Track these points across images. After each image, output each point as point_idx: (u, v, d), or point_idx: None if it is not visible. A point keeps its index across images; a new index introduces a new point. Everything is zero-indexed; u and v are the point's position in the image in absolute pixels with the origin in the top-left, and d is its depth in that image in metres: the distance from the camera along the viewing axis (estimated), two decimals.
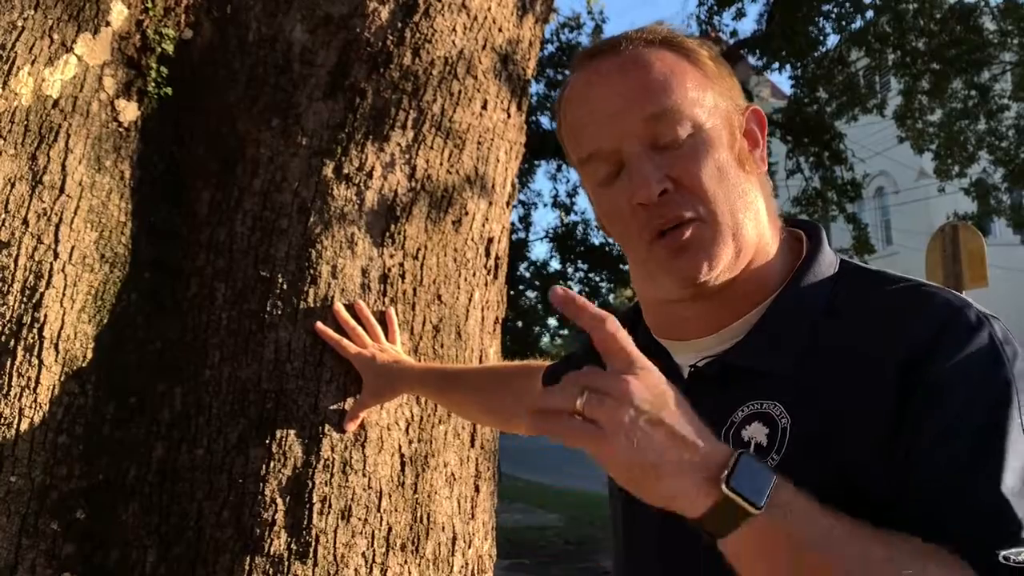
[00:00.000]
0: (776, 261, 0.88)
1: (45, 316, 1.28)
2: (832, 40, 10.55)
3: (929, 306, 0.78)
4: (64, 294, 1.30)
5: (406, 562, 1.45)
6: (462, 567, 1.56)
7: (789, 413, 0.80)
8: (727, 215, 0.84)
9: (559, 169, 12.13)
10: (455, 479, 1.58)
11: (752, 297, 0.87)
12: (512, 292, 11.45)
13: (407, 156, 1.55)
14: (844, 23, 10.25)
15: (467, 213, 1.63)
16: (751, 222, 0.85)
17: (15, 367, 1.25)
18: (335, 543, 1.37)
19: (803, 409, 0.79)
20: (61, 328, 1.29)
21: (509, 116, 1.72)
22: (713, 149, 0.84)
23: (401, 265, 1.53)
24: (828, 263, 0.87)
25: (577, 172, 0.94)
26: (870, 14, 10.16)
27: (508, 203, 1.78)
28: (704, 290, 0.85)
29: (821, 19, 10.20)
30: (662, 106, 0.84)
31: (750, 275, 0.86)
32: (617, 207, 0.87)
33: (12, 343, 1.25)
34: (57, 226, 1.31)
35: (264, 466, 1.36)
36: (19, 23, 1.32)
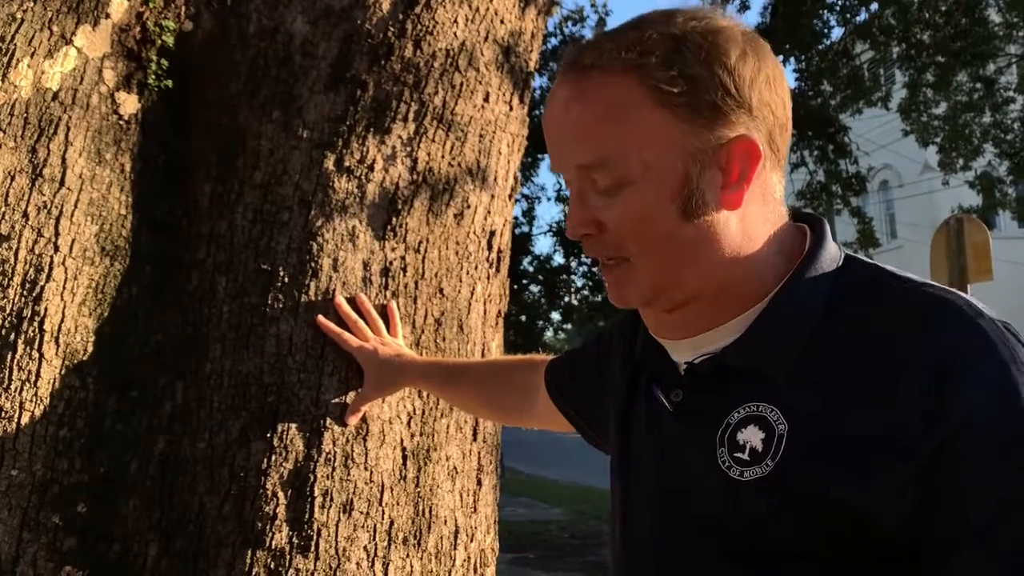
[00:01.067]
0: (768, 266, 0.84)
1: (46, 310, 1.27)
2: (836, 33, 10.50)
3: (941, 317, 0.74)
4: (64, 287, 1.30)
5: (408, 556, 1.45)
6: (464, 561, 1.55)
7: (786, 418, 0.77)
8: (652, 265, 0.82)
9: None
10: (457, 473, 1.57)
11: (743, 298, 0.84)
12: (515, 286, 11.45)
13: (408, 149, 1.54)
14: (848, 16, 10.20)
15: (469, 206, 1.62)
16: (690, 265, 0.82)
17: (16, 361, 1.25)
18: (337, 537, 1.37)
19: (801, 416, 0.77)
20: (62, 321, 1.29)
21: (511, 108, 1.71)
22: (646, 199, 0.80)
23: (403, 258, 1.53)
24: (831, 258, 0.84)
25: None
26: (874, 6, 10.11)
27: (510, 196, 1.78)
28: (646, 311, 0.87)
29: (825, 12, 10.15)
30: (591, 158, 0.81)
31: (725, 292, 0.84)
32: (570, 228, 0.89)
33: (13, 337, 1.25)
34: (57, 219, 1.31)
35: (266, 460, 1.36)
36: (18, 15, 1.31)
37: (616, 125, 0.80)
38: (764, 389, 0.80)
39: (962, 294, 0.77)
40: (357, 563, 1.38)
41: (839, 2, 10.07)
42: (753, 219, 0.84)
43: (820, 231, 0.87)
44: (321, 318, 1.43)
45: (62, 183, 1.32)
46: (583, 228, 0.84)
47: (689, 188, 0.80)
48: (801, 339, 0.80)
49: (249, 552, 1.32)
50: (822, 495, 0.73)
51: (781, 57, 10.41)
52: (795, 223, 0.90)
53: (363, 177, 1.50)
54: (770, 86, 0.82)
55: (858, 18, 10.24)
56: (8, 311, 1.25)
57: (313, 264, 1.45)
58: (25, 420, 1.24)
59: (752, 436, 0.79)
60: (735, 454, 0.79)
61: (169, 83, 1.47)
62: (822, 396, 0.76)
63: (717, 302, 0.84)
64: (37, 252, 1.28)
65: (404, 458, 1.48)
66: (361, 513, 1.40)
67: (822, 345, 0.78)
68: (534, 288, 12.99)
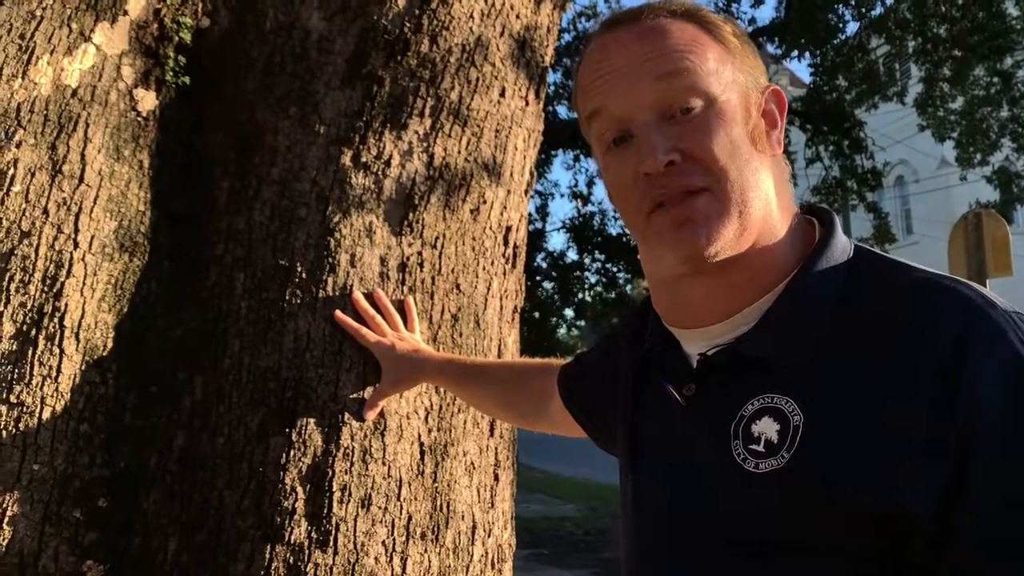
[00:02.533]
0: (786, 246, 0.85)
1: (66, 305, 1.28)
2: (852, 27, 10.45)
3: (947, 306, 0.74)
4: (84, 283, 1.31)
5: (426, 551, 1.45)
6: (482, 556, 1.55)
7: (802, 410, 0.76)
8: (736, 191, 0.81)
9: (576, 159, 12.08)
10: (474, 468, 1.57)
11: (761, 282, 0.84)
12: (529, 283, 11.45)
13: (425, 144, 1.54)
14: (864, 10, 10.14)
15: (485, 201, 1.62)
16: (758, 202, 0.82)
17: (37, 356, 1.25)
18: (355, 531, 1.38)
19: (816, 407, 0.76)
20: (82, 317, 1.30)
21: (527, 103, 1.71)
22: (727, 123, 0.82)
23: (419, 254, 1.53)
24: (841, 249, 0.84)
25: (584, 133, 0.91)
26: (890, 0, 10.05)
27: (526, 191, 1.77)
28: (704, 266, 0.82)
29: (840, 6, 10.09)
30: (676, 67, 0.82)
31: (756, 257, 0.83)
32: (622, 176, 0.85)
33: (34, 332, 1.26)
34: (77, 215, 1.31)
35: (284, 455, 1.36)
36: (38, 12, 1.32)
37: (695, 46, 0.84)
38: (779, 380, 0.79)
39: (974, 284, 0.77)
40: (375, 558, 1.39)
41: None
42: (781, 187, 0.87)
43: (830, 223, 0.88)
44: (339, 313, 1.43)
45: (81, 179, 1.33)
46: (669, 155, 0.80)
47: (753, 121, 0.85)
48: (816, 329, 0.79)
49: (268, 547, 1.33)
50: (837, 488, 0.72)
51: (796, 52, 10.36)
52: (805, 216, 0.90)
53: (380, 173, 1.50)
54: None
55: (873, 12, 10.17)
56: (29, 307, 1.26)
57: (331, 260, 1.45)
58: (46, 415, 1.25)
59: (767, 428, 0.78)
60: (750, 446, 0.79)
61: (187, 80, 1.47)
62: (837, 388, 0.75)
63: (749, 271, 0.84)
64: (57, 248, 1.29)
65: (422, 453, 1.48)
66: (379, 508, 1.40)
67: (837, 336, 0.78)
68: (547, 285, 12.98)
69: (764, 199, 0.83)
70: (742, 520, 0.79)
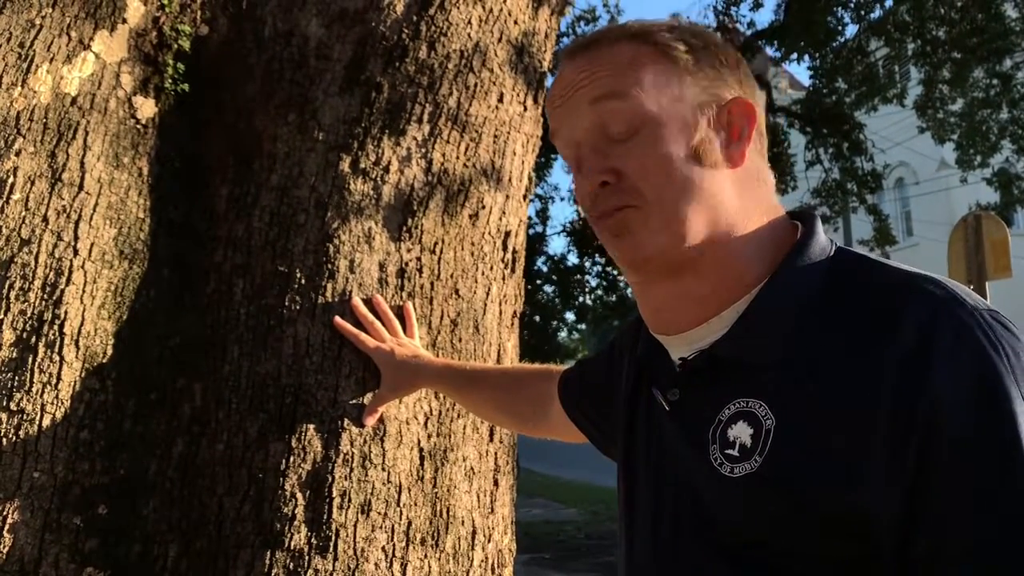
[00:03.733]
0: (759, 250, 0.85)
1: (65, 313, 1.29)
2: (851, 30, 10.46)
3: (913, 302, 0.73)
4: (84, 291, 1.31)
5: (426, 556, 1.45)
6: (482, 561, 1.56)
7: (773, 413, 0.77)
8: (663, 204, 0.83)
9: None
10: (474, 473, 1.57)
11: (731, 287, 0.85)
12: (529, 286, 11.45)
13: (423, 150, 1.54)
14: (863, 12, 10.15)
15: (484, 207, 1.62)
16: (701, 214, 0.83)
17: (37, 364, 1.26)
18: (355, 537, 1.38)
19: (787, 410, 0.77)
20: (81, 325, 1.30)
21: (525, 109, 1.71)
22: (662, 141, 0.84)
23: (418, 259, 1.53)
24: (820, 249, 0.85)
25: None
26: (889, 3, 10.06)
27: (525, 196, 1.78)
28: (648, 272, 0.86)
29: (839, 9, 10.10)
30: (605, 91, 0.84)
31: (712, 265, 0.84)
32: (582, 200, 0.89)
33: (33, 340, 1.26)
34: (76, 223, 1.32)
35: (284, 461, 1.37)
36: (37, 21, 1.32)
37: (631, 72, 0.85)
38: (754, 384, 0.80)
39: (949, 282, 0.76)
40: (375, 563, 1.39)
41: None
42: (748, 195, 0.87)
43: (810, 224, 0.88)
44: (338, 319, 1.44)
45: (81, 187, 1.33)
46: (603, 175, 0.85)
47: (700, 136, 0.85)
48: (788, 330, 0.80)
49: (268, 553, 1.33)
50: (807, 491, 0.73)
51: (795, 55, 10.38)
52: (790, 220, 0.91)
53: (378, 179, 1.50)
54: (751, 79, 0.90)
55: (873, 15, 10.19)
56: (29, 315, 1.26)
57: (329, 266, 1.45)
58: (46, 422, 1.25)
59: (741, 432, 0.79)
60: (726, 451, 0.80)
61: (186, 87, 1.48)
62: (807, 390, 0.76)
63: (709, 278, 0.85)
64: (57, 256, 1.29)
65: (421, 459, 1.49)
66: (379, 514, 1.41)
67: (808, 337, 0.78)
68: (548, 288, 12.99)
69: (712, 211, 0.84)
70: (720, 523, 0.80)
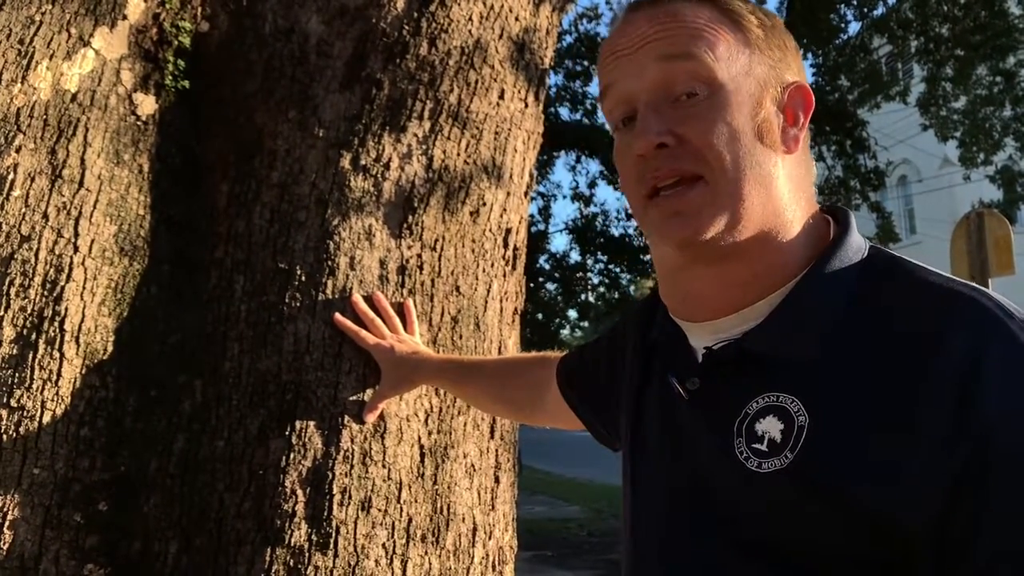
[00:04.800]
0: (798, 244, 0.83)
1: (66, 310, 1.29)
2: (854, 27, 10.44)
3: (958, 313, 0.72)
4: (84, 287, 1.31)
5: (426, 553, 1.45)
6: (483, 558, 1.55)
7: (807, 411, 0.75)
8: (729, 181, 0.80)
9: (578, 161, 12.09)
10: (475, 470, 1.57)
11: (767, 278, 0.82)
12: (531, 284, 11.45)
13: (424, 147, 1.54)
14: (866, 10, 10.13)
15: (485, 204, 1.62)
16: (759, 195, 0.81)
17: (37, 360, 1.26)
18: (355, 534, 1.38)
19: (822, 408, 0.75)
20: (82, 321, 1.30)
21: (526, 106, 1.71)
22: (729, 111, 0.81)
23: (419, 256, 1.53)
24: (856, 248, 0.83)
25: (602, 111, 0.92)
26: (892, 0, 10.04)
27: (526, 193, 1.77)
28: (699, 254, 0.82)
29: (842, 6, 10.08)
30: (680, 50, 0.81)
31: (759, 253, 0.82)
32: (625, 157, 0.85)
33: (34, 336, 1.26)
34: (77, 220, 1.32)
35: (284, 457, 1.37)
36: (37, 17, 1.32)
37: (708, 35, 0.82)
38: (785, 378, 0.78)
39: (993, 294, 0.75)
40: (376, 560, 1.39)
41: None
42: (796, 184, 0.85)
43: (845, 222, 0.86)
44: (338, 316, 1.44)
45: (81, 184, 1.33)
46: (663, 137, 0.80)
47: (764, 114, 0.83)
48: (825, 328, 0.78)
49: (268, 549, 1.33)
50: (840, 492, 0.71)
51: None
52: (822, 215, 0.89)
53: (379, 175, 1.50)
54: (804, 70, 0.89)
55: (875, 12, 10.17)
56: (29, 311, 1.26)
57: (330, 262, 1.45)
58: (47, 419, 1.25)
59: (771, 427, 0.77)
60: (753, 444, 0.77)
61: (186, 84, 1.48)
62: (844, 388, 0.74)
63: (754, 265, 0.82)
64: (57, 252, 1.29)
65: (422, 456, 1.49)
66: (379, 511, 1.41)
67: (847, 337, 0.76)
68: (550, 286, 12.99)
69: (766, 193, 0.81)
70: (740, 519, 0.78)
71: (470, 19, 1.58)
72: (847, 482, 0.71)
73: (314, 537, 1.35)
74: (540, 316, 12.78)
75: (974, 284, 0.77)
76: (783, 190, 0.83)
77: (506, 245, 1.69)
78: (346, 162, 1.48)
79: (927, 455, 0.68)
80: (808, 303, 0.80)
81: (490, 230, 1.64)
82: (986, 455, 0.66)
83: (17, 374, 1.24)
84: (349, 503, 1.38)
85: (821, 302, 0.80)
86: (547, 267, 12.71)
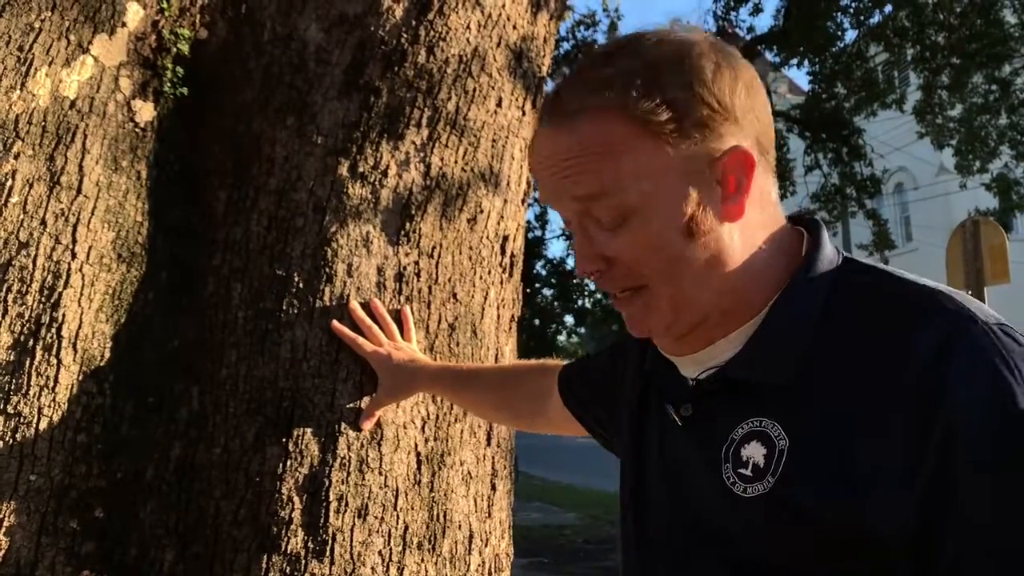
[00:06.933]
0: (768, 272, 0.84)
1: (63, 316, 1.29)
2: (850, 35, 10.46)
3: (925, 322, 0.73)
4: (82, 294, 1.31)
5: (423, 560, 1.45)
6: (479, 566, 1.55)
7: (787, 434, 0.77)
8: (668, 283, 0.82)
9: None
10: (472, 477, 1.57)
11: (744, 309, 0.84)
12: (528, 290, 11.44)
13: (422, 154, 1.55)
14: (862, 18, 10.17)
15: (482, 211, 1.63)
16: (705, 279, 0.82)
17: (34, 366, 1.26)
18: (352, 541, 1.38)
19: (802, 430, 0.76)
20: (79, 328, 1.30)
21: (524, 113, 1.71)
22: (651, 226, 0.81)
23: (416, 263, 1.53)
24: (828, 261, 0.84)
25: None
26: (888, 8, 10.07)
27: (523, 200, 1.78)
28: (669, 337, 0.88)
29: (839, 14, 10.12)
30: (589, 190, 0.81)
31: (730, 299, 0.84)
32: (580, 268, 0.89)
33: (31, 343, 1.26)
34: (75, 226, 1.32)
35: (281, 465, 1.36)
36: (36, 24, 1.33)
37: (611, 160, 0.80)
38: (768, 403, 0.80)
39: (958, 294, 0.76)
40: (372, 568, 1.39)
41: (853, 4, 10.04)
42: (753, 226, 0.84)
43: (816, 234, 0.87)
44: (336, 323, 1.44)
45: (79, 190, 1.33)
46: (592, 264, 0.85)
47: (691, 209, 0.81)
48: (799, 348, 0.79)
49: (265, 557, 1.33)
50: (821, 513, 0.72)
51: (795, 60, 10.39)
52: (792, 226, 0.89)
53: (377, 183, 1.51)
54: (749, 92, 0.83)
55: (872, 20, 10.20)
56: (27, 317, 1.26)
57: (327, 270, 1.45)
58: (43, 425, 1.25)
59: (755, 452, 0.79)
60: (739, 470, 0.79)
61: (184, 91, 1.48)
62: (821, 409, 0.75)
63: (725, 315, 0.84)
64: (55, 259, 1.29)
65: (418, 463, 1.49)
66: (376, 518, 1.41)
67: (820, 354, 0.78)
68: (547, 292, 12.99)
69: (714, 271, 0.82)
70: (731, 541, 0.80)
71: (468, 27, 1.58)
72: (824, 504, 0.72)
73: (310, 544, 1.35)
74: (537, 321, 12.79)
75: (943, 288, 0.78)
76: (735, 252, 0.83)
77: (503, 252, 1.70)
78: (344, 169, 1.49)
79: (901, 460, 0.69)
80: (782, 327, 0.82)
81: (487, 237, 1.65)
82: (953, 458, 0.68)
83: (14, 380, 1.24)
84: (345, 510, 1.38)
85: (793, 326, 0.81)
86: (544, 273, 12.72)
